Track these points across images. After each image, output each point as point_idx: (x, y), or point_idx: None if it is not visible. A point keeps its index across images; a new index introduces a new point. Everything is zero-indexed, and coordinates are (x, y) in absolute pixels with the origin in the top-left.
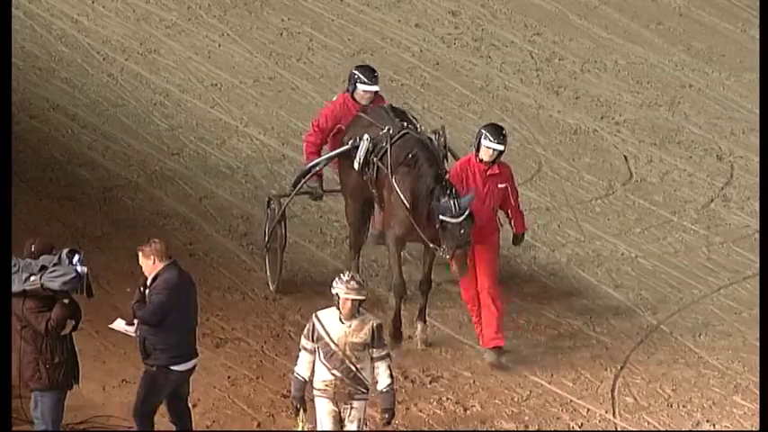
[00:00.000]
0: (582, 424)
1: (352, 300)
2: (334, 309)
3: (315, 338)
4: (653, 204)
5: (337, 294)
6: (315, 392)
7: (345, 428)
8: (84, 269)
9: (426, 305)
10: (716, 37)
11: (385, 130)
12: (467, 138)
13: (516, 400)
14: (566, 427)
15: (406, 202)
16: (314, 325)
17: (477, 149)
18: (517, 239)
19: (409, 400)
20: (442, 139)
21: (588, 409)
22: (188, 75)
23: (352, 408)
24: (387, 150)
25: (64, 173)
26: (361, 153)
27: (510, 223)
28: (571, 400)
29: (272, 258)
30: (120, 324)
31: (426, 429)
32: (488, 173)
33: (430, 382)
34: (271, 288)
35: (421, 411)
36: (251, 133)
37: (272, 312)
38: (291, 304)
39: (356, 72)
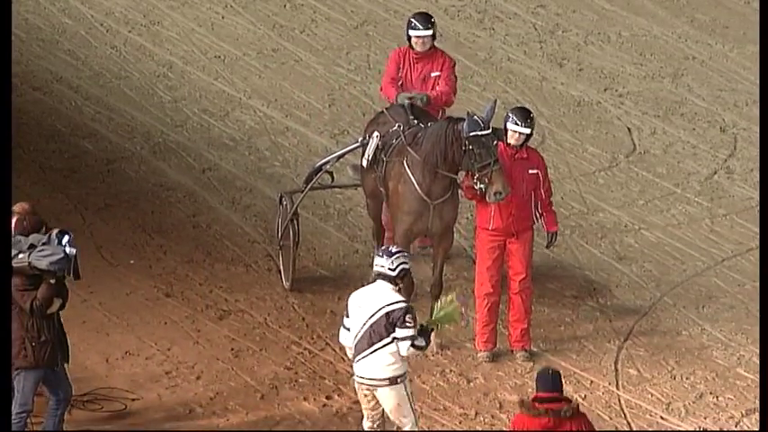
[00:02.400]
0: (585, 396)
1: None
2: (389, 288)
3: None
4: (656, 176)
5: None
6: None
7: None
8: (73, 251)
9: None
10: (719, 9)
11: (395, 128)
12: (470, 109)
13: (519, 372)
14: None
15: (413, 179)
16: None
17: (505, 132)
18: (550, 239)
19: (412, 372)
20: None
21: (591, 381)
22: (191, 47)
23: None
24: (395, 146)
25: (67, 145)
26: (369, 150)
27: (540, 221)
28: (574, 372)
29: (285, 255)
30: None
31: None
32: (516, 156)
33: (433, 355)
34: (285, 285)
35: (424, 383)
36: (254, 105)
37: (275, 284)
38: (295, 276)
39: (411, 19)
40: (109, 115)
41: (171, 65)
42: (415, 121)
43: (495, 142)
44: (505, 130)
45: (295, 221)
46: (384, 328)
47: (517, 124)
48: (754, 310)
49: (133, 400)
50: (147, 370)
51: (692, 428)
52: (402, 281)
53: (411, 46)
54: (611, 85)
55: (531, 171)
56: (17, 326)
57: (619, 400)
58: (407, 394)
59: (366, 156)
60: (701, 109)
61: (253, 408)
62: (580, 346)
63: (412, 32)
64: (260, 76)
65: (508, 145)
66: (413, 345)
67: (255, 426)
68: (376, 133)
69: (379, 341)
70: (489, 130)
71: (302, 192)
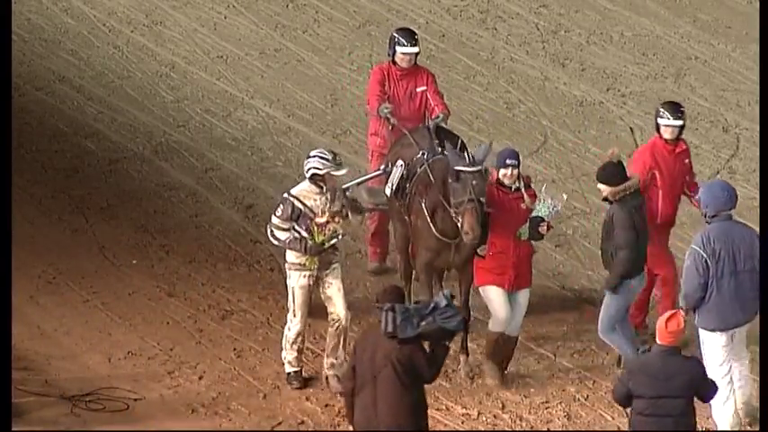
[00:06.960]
0: (588, 396)
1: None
2: (302, 185)
3: (295, 216)
4: None
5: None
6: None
7: (328, 289)
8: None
9: (467, 337)
10: (722, 9)
11: (419, 155)
12: (472, 109)
13: (522, 371)
14: (571, 398)
15: (427, 212)
16: (293, 204)
17: (658, 129)
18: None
19: None
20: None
21: (594, 381)
22: (194, 47)
23: (331, 270)
24: (419, 176)
25: (69, 144)
26: (393, 179)
27: (691, 200)
28: (577, 372)
29: None
30: None
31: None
32: (677, 151)
33: None
34: None
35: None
36: (257, 105)
37: (277, 284)
38: None
39: (396, 35)
40: (111, 115)
41: (173, 65)
42: (440, 148)
43: (474, 182)
44: (657, 126)
45: None
46: None
47: (669, 118)
48: None
49: (135, 399)
50: (150, 370)
51: None
52: (318, 182)
53: (394, 62)
54: (613, 84)
55: (686, 162)
56: (412, 396)
57: None
58: (291, 287)
59: (390, 184)
60: (704, 109)
61: (255, 408)
62: (582, 345)
63: (399, 49)
64: (262, 77)
65: (666, 141)
66: (271, 234)
67: (258, 426)
68: (400, 162)
69: None
70: (474, 169)
71: None
